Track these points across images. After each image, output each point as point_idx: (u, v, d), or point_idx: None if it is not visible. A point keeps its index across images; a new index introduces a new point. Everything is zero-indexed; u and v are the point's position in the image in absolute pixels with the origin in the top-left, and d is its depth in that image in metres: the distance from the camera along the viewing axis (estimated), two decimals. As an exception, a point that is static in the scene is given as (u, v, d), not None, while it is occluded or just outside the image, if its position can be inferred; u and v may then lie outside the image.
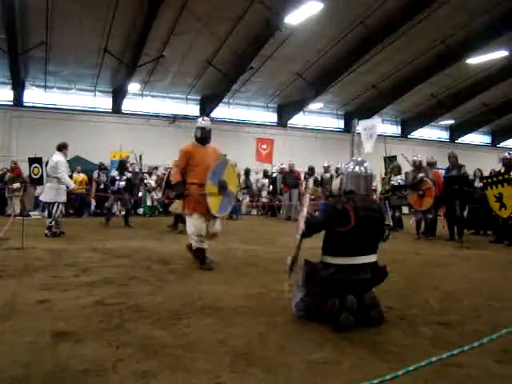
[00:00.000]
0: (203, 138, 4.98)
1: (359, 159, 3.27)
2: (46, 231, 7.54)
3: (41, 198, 8.23)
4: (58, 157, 7.72)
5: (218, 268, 4.87)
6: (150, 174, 13.82)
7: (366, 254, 2.97)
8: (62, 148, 7.91)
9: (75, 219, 11.96)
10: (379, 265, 3.05)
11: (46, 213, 7.96)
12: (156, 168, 14.21)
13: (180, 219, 9.20)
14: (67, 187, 7.87)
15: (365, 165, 3.16)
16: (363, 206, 2.95)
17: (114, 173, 10.38)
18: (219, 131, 18.37)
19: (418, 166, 8.46)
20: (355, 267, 2.92)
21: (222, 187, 4.84)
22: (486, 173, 9.40)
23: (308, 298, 2.96)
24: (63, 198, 7.78)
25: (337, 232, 2.96)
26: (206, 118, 5.16)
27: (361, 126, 8.42)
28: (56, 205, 7.62)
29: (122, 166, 10.36)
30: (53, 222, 7.59)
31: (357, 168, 3.13)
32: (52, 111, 16.65)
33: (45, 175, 7.87)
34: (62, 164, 7.69)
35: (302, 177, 13.38)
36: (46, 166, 7.96)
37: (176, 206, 9.22)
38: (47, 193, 7.74)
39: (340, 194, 3.16)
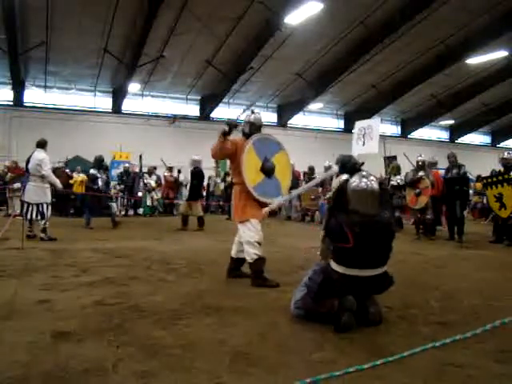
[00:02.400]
0: (252, 134, 4.32)
1: (364, 172, 3.04)
2: (42, 235, 6.99)
3: (25, 198, 7.08)
4: (41, 154, 7.09)
5: (218, 268, 4.87)
6: (149, 173, 13.81)
7: (372, 267, 2.89)
8: (44, 145, 7.25)
9: (75, 219, 11.95)
10: (387, 274, 2.98)
11: (32, 215, 6.99)
12: (155, 168, 14.17)
13: (184, 219, 9.31)
14: (51, 185, 7.31)
15: (370, 179, 2.95)
16: (362, 229, 2.81)
17: (94, 171, 9.80)
18: (219, 131, 18.49)
19: (420, 167, 8.44)
20: (359, 279, 2.87)
21: (267, 170, 4.20)
22: (486, 173, 9.39)
23: (308, 297, 2.96)
24: (50, 198, 7.21)
25: (341, 246, 2.90)
26: (256, 111, 4.56)
27: (357, 126, 8.36)
28: (45, 205, 7.04)
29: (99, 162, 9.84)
30: (47, 224, 7.07)
31: (362, 183, 2.92)
32: (52, 111, 16.67)
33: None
34: (47, 161, 7.11)
35: (302, 176, 13.38)
36: (27, 164, 7.24)
37: (184, 209, 9.34)
38: (33, 193, 7.00)
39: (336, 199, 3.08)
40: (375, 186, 2.94)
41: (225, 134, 4.06)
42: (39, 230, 7.08)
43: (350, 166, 3.23)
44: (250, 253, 4.09)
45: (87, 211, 9.43)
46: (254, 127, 4.36)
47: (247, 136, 4.33)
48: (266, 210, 3.84)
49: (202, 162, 9.58)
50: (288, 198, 4.19)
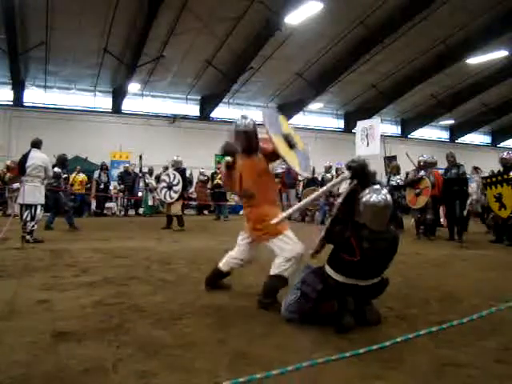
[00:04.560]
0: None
1: (376, 187, 2.92)
2: (28, 237, 6.69)
3: (21, 201, 6.96)
4: (42, 154, 6.97)
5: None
6: (151, 173, 13.82)
7: (368, 279, 2.88)
8: (40, 145, 7.09)
9: (75, 219, 11.95)
10: (382, 280, 2.98)
11: (26, 216, 6.83)
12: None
13: (178, 219, 9.33)
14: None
15: (382, 192, 2.85)
16: (371, 245, 2.77)
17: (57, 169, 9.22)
18: (219, 131, 18.49)
19: (422, 167, 8.44)
20: (356, 287, 2.87)
21: (290, 142, 3.44)
22: (486, 173, 9.40)
23: (302, 300, 2.92)
24: (43, 199, 7.07)
25: (342, 256, 2.87)
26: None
27: (359, 126, 8.41)
28: (39, 207, 6.92)
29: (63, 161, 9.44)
30: (35, 226, 6.88)
31: (374, 197, 2.81)
32: (52, 111, 16.68)
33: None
34: (50, 163, 7.05)
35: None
36: (21, 164, 6.98)
37: (178, 209, 9.33)
38: (29, 194, 6.83)
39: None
40: (389, 201, 2.84)
41: (229, 167, 3.57)
42: (26, 231, 6.78)
43: (361, 172, 3.02)
44: (286, 269, 3.32)
45: (53, 213, 8.99)
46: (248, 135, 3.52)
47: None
48: (276, 220, 3.21)
49: (182, 162, 9.75)
50: (296, 209, 3.49)
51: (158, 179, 13.35)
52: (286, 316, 2.98)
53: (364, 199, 2.84)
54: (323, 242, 3.06)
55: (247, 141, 3.52)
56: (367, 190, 2.88)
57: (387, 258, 2.90)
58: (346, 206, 2.96)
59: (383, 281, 2.99)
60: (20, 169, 7.10)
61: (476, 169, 10.04)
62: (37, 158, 6.92)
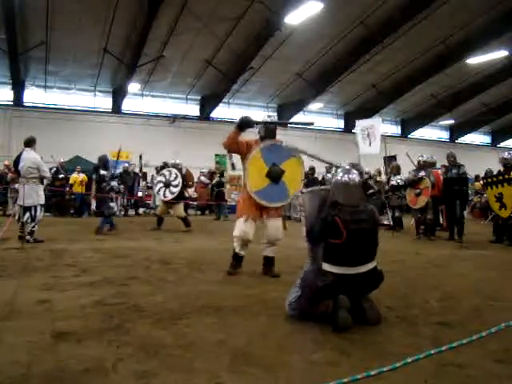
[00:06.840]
0: (266, 137, 4.57)
1: (347, 167, 3.19)
2: (28, 237, 6.63)
3: (20, 203, 6.80)
4: (34, 154, 6.80)
5: (218, 268, 4.87)
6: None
7: (363, 263, 2.93)
8: (33, 143, 6.90)
9: (75, 219, 11.97)
10: (377, 269, 3.02)
11: (26, 218, 6.74)
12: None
13: (159, 220, 9.31)
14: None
15: (352, 172, 3.07)
16: (353, 218, 2.89)
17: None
18: (219, 131, 18.48)
19: (421, 167, 8.44)
20: (353, 277, 2.90)
21: (274, 175, 4.40)
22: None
23: (302, 299, 2.96)
24: (43, 199, 6.97)
25: (333, 243, 2.93)
26: (272, 115, 4.89)
27: (359, 125, 8.41)
28: (39, 207, 6.82)
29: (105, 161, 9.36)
30: (36, 227, 6.80)
31: (345, 177, 3.03)
32: (52, 111, 16.68)
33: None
34: (42, 162, 6.91)
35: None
36: (15, 164, 6.88)
37: (161, 210, 9.33)
38: (28, 196, 6.71)
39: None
40: (356, 179, 3.06)
41: (240, 129, 4.36)
42: (26, 232, 6.74)
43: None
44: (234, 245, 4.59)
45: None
46: (269, 131, 4.57)
47: (262, 139, 4.57)
48: None
49: (181, 164, 9.84)
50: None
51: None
52: (289, 312, 3.04)
53: (334, 180, 3.09)
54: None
55: (265, 133, 4.60)
56: (338, 171, 3.14)
57: (370, 234, 2.98)
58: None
59: (378, 273, 3.01)
60: (15, 170, 7.11)
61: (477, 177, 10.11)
62: (27, 159, 6.74)
